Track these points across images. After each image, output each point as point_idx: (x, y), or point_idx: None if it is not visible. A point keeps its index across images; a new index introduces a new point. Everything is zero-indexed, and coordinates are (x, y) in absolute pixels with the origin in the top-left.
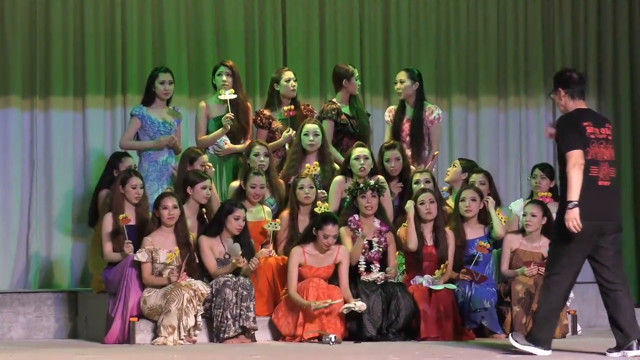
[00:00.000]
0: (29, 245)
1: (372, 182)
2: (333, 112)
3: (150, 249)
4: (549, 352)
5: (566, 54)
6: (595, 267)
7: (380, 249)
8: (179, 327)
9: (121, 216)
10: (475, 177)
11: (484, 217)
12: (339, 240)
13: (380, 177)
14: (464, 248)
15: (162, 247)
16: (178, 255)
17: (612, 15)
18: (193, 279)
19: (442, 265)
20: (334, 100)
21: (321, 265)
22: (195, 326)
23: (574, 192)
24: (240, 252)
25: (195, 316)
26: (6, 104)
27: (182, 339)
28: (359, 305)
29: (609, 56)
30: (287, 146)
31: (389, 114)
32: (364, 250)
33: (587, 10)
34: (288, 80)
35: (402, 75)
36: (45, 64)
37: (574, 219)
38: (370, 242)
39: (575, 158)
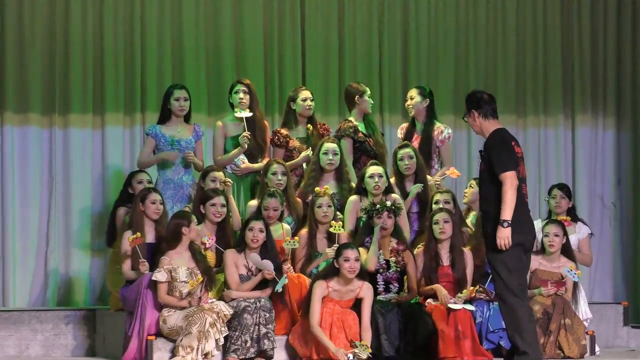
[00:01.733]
0: (47, 262)
1: (388, 202)
2: (350, 130)
3: (169, 268)
4: None
5: (585, 72)
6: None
7: (399, 269)
8: (197, 349)
9: (130, 237)
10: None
11: None
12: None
13: (397, 198)
14: (483, 267)
15: (180, 265)
16: (196, 272)
17: (631, 33)
18: (216, 300)
19: (466, 290)
20: (351, 118)
21: (342, 299)
22: (217, 347)
23: (509, 212)
24: (267, 263)
25: (217, 340)
26: (25, 121)
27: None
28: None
29: (628, 75)
30: (304, 165)
31: (401, 131)
32: (382, 270)
33: (606, 29)
34: (305, 100)
35: (413, 92)
36: (65, 81)
37: (506, 238)
38: (387, 262)
39: (511, 179)
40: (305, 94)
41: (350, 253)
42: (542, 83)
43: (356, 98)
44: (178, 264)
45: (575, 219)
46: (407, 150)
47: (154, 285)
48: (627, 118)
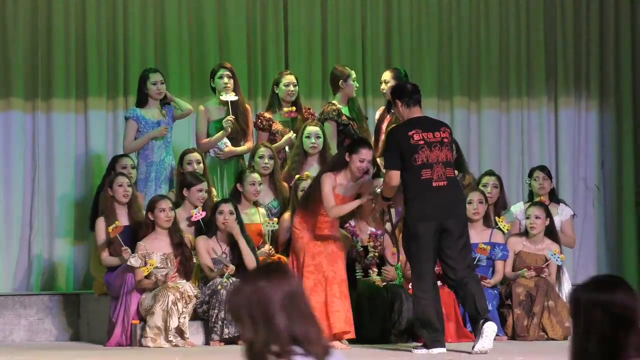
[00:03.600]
0: (31, 247)
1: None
2: (334, 113)
3: (143, 253)
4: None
5: (568, 55)
6: (445, 268)
7: (376, 254)
8: (165, 329)
9: (110, 228)
10: (488, 180)
11: (488, 221)
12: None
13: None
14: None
15: (156, 250)
16: (172, 258)
17: (614, 15)
18: (183, 281)
19: None
20: (334, 102)
21: (345, 195)
22: (179, 328)
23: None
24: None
25: (179, 318)
26: (8, 106)
27: (171, 340)
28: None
29: (611, 56)
30: (287, 148)
31: (379, 112)
32: (359, 257)
33: (589, 11)
34: (287, 85)
35: (386, 76)
36: (47, 66)
37: None
38: (365, 248)
39: (389, 177)
40: (288, 78)
41: (367, 154)
42: (525, 66)
43: (340, 82)
44: (154, 249)
45: (556, 200)
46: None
47: (133, 270)
48: (610, 100)
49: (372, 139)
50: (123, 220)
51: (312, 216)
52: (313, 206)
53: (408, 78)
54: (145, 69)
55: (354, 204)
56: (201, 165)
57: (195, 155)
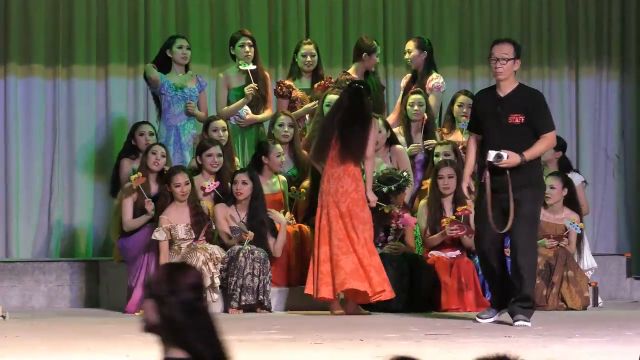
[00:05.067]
0: (51, 213)
1: (393, 187)
2: (346, 83)
3: (167, 226)
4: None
5: (590, 24)
6: None
7: (398, 238)
8: None
9: (133, 177)
10: None
11: None
12: None
13: (407, 170)
14: None
15: (178, 222)
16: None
17: None
18: (210, 244)
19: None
20: (349, 71)
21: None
22: (212, 287)
23: None
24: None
25: (212, 278)
26: (29, 73)
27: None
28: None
29: (633, 27)
30: (307, 116)
31: (405, 80)
32: (380, 243)
33: None
34: (305, 55)
35: (410, 45)
36: (68, 32)
37: None
38: (386, 229)
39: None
40: (306, 48)
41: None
42: (547, 34)
43: (364, 55)
44: (177, 221)
45: (567, 168)
46: (419, 96)
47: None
48: (631, 70)
49: (387, 110)
50: (154, 188)
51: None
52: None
53: (432, 47)
54: (171, 35)
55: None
56: (226, 132)
57: (221, 123)
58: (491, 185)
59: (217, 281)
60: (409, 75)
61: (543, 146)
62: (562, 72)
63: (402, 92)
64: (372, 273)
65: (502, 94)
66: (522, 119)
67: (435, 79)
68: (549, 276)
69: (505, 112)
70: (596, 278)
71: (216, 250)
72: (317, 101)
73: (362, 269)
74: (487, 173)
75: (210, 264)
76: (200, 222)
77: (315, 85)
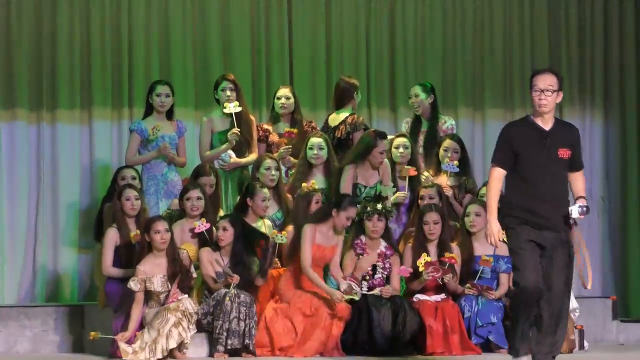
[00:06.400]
0: (36, 258)
1: (379, 206)
2: (364, 124)
3: (143, 278)
4: None
5: (572, 66)
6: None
7: (384, 275)
8: (150, 346)
9: (132, 234)
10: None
11: None
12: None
13: (388, 202)
14: (471, 263)
15: (154, 273)
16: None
17: (618, 27)
18: (184, 296)
19: (424, 257)
20: (343, 115)
21: (328, 245)
22: (182, 345)
23: None
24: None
25: (183, 340)
26: (13, 117)
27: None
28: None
29: (615, 68)
30: (291, 159)
31: (406, 125)
32: (367, 277)
33: (593, 22)
34: (279, 98)
35: (416, 90)
36: (52, 76)
37: None
38: (374, 267)
39: None
40: (281, 92)
41: (353, 212)
42: (529, 76)
43: (355, 94)
44: (153, 272)
45: None
46: (404, 139)
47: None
48: (614, 111)
49: None
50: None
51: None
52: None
53: (435, 91)
54: (155, 80)
55: (326, 289)
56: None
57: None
58: (534, 220)
59: (187, 336)
60: (409, 119)
61: (583, 185)
62: None
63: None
64: None
65: (546, 127)
66: (570, 154)
67: (448, 122)
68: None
69: (555, 145)
70: (582, 321)
71: (189, 304)
72: (289, 146)
73: None
74: (576, 230)
75: (184, 322)
76: (177, 273)
77: (285, 129)
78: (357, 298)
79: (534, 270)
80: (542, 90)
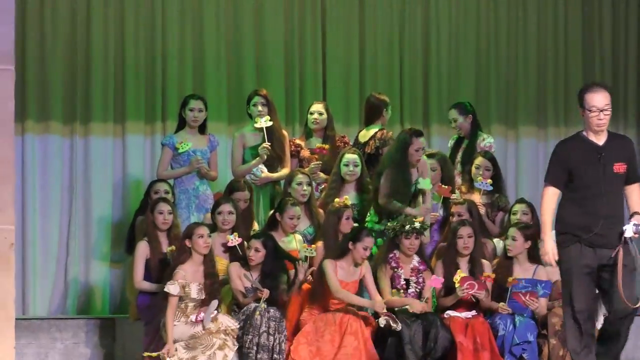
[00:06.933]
0: (68, 270)
1: (417, 224)
2: (393, 138)
3: (183, 283)
4: None
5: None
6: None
7: (418, 290)
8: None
9: (168, 249)
10: (518, 207)
11: (535, 255)
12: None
13: (425, 221)
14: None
15: (192, 280)
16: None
17: None
18: (219, 315)
19: (459, 273)
20: (372, 132)
21: (350, 280)
22: None
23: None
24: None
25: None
26: (46, 130)
27: None
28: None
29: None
30: (321, 174)
31: (451, 142)
32: (402, 290)
33: (627, 40)
34: (312, 113)
35: (453, 114)
36: (86, 89)
37: None
38: (407, 282)
39: None
40: (314, 107)
41: (370, 242)
42: (563, 94)
43: (384, 111)
44: (191, 279)
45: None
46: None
47: (165, 297)
48: None
49: None
50: (164, 247)
51: (322, 304)
52: (321, 296)
53: (474, 109)
54: (188, 94)
55: (363, 302)
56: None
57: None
58: (589, 239)
59: (234, 358)
60: (455, 136)
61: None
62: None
63: (449, 154)
64: None
65: (600, 142)
66: (625, 167)
67: (486, 139)
68: (565, 336)
69: (610, 161)
70: None
71: (227, 322)
72: (319, 162)
73: None
74: (621, 249)
75: (228, 342)
76: (212, 284)
77: (317, 145)
78: (398, 329)
79: (582, 294)
80: (601, 110)
